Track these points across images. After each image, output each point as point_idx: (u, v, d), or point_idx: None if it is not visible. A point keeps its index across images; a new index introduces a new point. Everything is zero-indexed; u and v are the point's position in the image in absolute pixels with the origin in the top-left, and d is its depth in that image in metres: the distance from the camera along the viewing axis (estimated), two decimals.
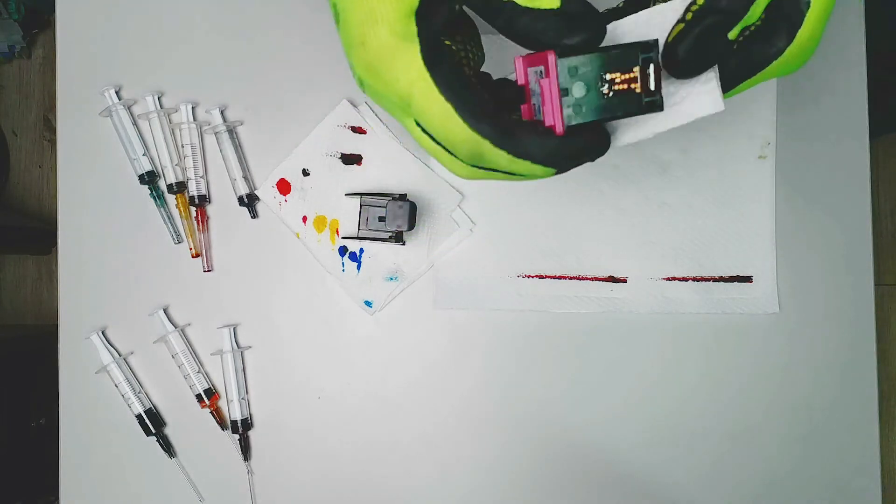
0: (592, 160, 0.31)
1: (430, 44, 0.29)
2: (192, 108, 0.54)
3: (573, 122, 0.29)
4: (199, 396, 0.54)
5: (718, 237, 0.54)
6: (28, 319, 1.44)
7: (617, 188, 0.54)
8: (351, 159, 0.54)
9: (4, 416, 1.08)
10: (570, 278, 0.54)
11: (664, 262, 0.54)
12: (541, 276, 0.54)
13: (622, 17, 0.33)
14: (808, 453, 0.54)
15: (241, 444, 0.54)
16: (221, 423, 0.54)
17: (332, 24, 0.32)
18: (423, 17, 0.29)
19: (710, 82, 0.32)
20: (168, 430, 0.55)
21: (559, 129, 0.29)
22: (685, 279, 0.54)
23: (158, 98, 0.54)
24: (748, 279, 0.54)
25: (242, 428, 0.54)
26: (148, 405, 0.54)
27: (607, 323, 0.54)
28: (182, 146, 0.54)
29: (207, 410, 0.54)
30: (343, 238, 0.54)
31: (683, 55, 0.30)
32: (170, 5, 0.55)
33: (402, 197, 0.51)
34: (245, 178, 0.54)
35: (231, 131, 0.54)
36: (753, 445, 0.54)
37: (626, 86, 0.29)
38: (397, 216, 0.50)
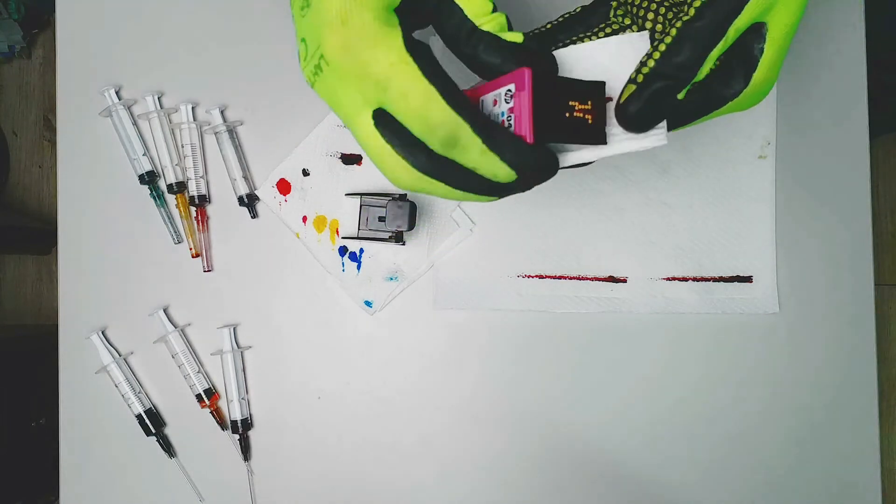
0: (544, 180, 0.32)
1: (409, 34, 0.30)
2: (192, 108, 0.54)
3: (540, 138, 0.31)
4: (199, 396, 0.54)
5: (718, 237, 0.54)
6: (28, 319, 1.44)
7: (617, 188, 0.54)
8: (351, 159, 0.54)
9: (4, 416, 1.08)
10: (570, 278, 0.54)
11: (664, 262, 0.54)
12: (541, 276, 0.54)
13: (552, 40, 0.36)
14: (807, 453, 0.54)
15: (241, 444, 0.54)
16: (221, 423, 0.54)
17: None
18: (402, 13, 0.31)
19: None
20: (168, 430, 0.55)
21: (529, 137, 0.31)
22: (685, 279, 0.54)
23: (158, 98, 0.54)
24: (748, 279, 0.54)
25: (242, 428, 0.54)
26: (148, 405, 0.54)
27: (607, 323, 0.54)
28: (182, 146, 0.54)
29: (207, 410, 0.54)
30: (343, 238, 0.54)
31: (634, 115, 0.32)
32: (170, 6, 0.55)
33: (402, 197, 0.51)
34: (245, 178, 0.54)
35: (231, 131, 0.54)
36: (753, 445, 0.54)
37: (581, 114, 0.32)
38: (397, 216, 0.50)
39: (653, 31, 0.35)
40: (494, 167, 0.31)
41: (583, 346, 0.54)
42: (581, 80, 0.32)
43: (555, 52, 0.34)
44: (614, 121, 0.33)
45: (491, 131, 0.30)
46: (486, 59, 0.31)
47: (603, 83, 0.32)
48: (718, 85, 0.33)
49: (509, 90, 0.31)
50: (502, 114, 0.32)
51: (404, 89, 0.29)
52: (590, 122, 0.32)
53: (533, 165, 0.31)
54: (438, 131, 0.30)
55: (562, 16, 0.39)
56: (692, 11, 0.31)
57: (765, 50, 0.32)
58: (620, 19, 0.38)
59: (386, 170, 0.31)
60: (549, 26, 0.39)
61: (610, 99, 0.34)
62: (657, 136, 0.33)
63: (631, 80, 0.32)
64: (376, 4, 0.30)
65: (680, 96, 0.33)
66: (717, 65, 0.33)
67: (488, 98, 0.33)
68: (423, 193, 0.32)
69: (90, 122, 0.55)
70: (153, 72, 0.55)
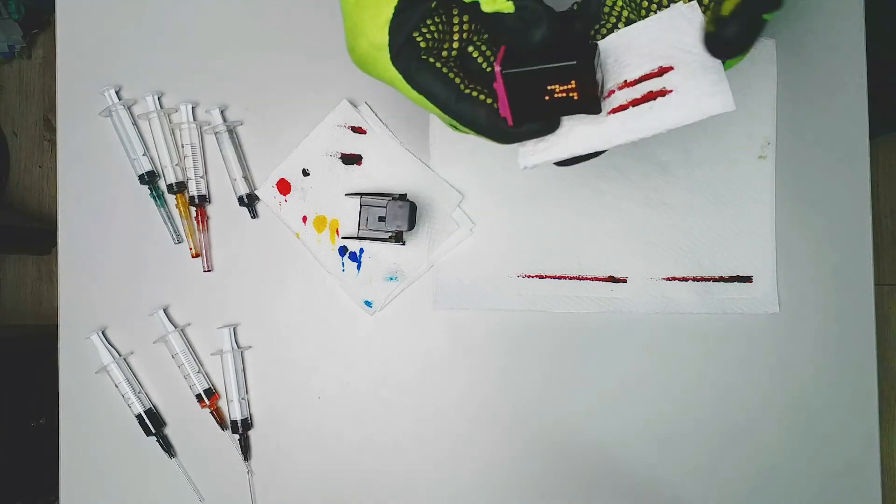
0: (545, 135, 0.36)
1: (399, 47, 0.35)
2: (192, 108, 0.54)
3: (522, 121, 0.35)
4: (199, 396, 0.54)
5: (718, 237, 0.54)
6: (28, 319, 1.44)
7: (617, 188, 0.54)
8: (351, 159, 0.54)
9: (4, 416, 1.08)
10: (570, 278, 0.54)
11: (664, 262, 0.54)
12: (541, 276, 0.54)
13: (573, 19, 0.38)
14: (807, 453, 0.54)
15: (241, 444, 0.54)
16: (221, 423, 0.54)
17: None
18: (396, 25, 0.35)
19: (721, 82, 0.33)
20: (168, 430, 0.55)
21: (511, 121, 0.35)
22: (685, 279, 0.54)
23: (158, 98, 0.54)
24: (748, 279, 0.54)
25: (242, 428, 0.54)
26: (148, 405, 0.54)
27: (607, 323, 0.54)
28: (182, 146, 0.54)
29: (207, 410, 0.54)
30: (343, 238, 0.54)
31: (732, 34, 0.32)
32: (170, 6, 0.55)
33: (402, 197, 0.51)
34: (245, 178, 0.54)
35: (231, 131, 0.54)
36: (753, 445, 0.54)
37: (565, 94, 0.33)
38: (397, 216, 0.49)
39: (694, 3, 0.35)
40: (476, 135, 0.37)
41: (583, 346, 0.54)
42: (551, 66, 0.33)
43: (607, 39, 0.36)
44: (683, 88, 0.34)
45: (477, 125, 0.36)
46: (485, 28, 0.35)
47: (573, 64, 0.33)
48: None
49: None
50: None
51: (405, 94, 0.37)
52: (576, 98, 0.33)
53: (521, 139, 0.36)
54: (444, 119, 0.37)
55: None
56: None
57: None
58: (617, 13, 0.38)
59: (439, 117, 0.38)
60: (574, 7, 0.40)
61: (625, 85, 0.35)
62: (722, 101, 0.33)
63: (708, 7, 0.34)
64: (370, 29, 0.35)
65: (767, 17, 0.32)
66: None
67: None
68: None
69: (90, 122, 0.55)
70: (153, 72, 0.55)
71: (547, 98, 0.34)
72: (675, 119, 0.34)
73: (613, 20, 0.39)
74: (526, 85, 0.33)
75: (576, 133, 0.36)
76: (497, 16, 0.33)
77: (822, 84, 0.54)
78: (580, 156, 0.36)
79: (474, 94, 0.36)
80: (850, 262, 0.54)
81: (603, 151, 0.36)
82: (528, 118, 0.35)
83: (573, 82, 0.33)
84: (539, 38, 0.33)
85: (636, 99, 0.34)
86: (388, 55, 0.35)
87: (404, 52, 0.35)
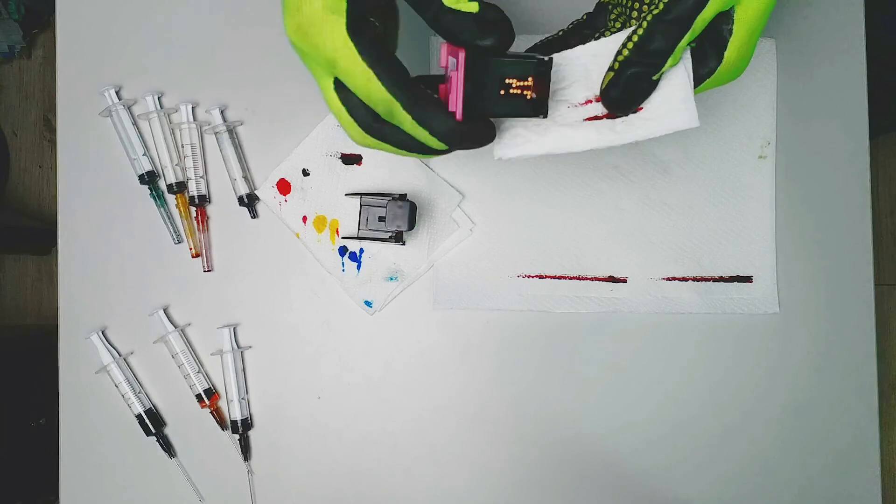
0: (479, 147, 0.35)
1: (355, 18, 0.33)
2: (192, 108, 0.54)
3: (472, 113, 0.34)
4: (199, 396, 0.54)
5: (718, 237, 0.54)
6: (28, 319, 1.44)
7: (617, 188, 0.54)
8: (351, 159, 0.54)
9: (4, 416, 1.08)
10: (570, 278, 0.54)
11: (664, 262, 0.54)
12: (541, 276, 0.54)
13: (564, 44, 0.39)
14: (808, 453, 0.54)
15: (241, 444, 0.54)
16: (221, 423, 0.54)
17: None
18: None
19: (689, 101, 0.36)
20: (168, 430, 0.55)
21: (458, 115, 0.34)
22: (685, 279, 0.54)
23: (158, 98, 0.54)
24: (748, 279, 0.54)
25: (242, 428, 0.54)
26: (148, 405, 0.54)
27: (607, 323, 0.54)
28: (182, 146, 0.54)
29: (207, 410, 0.54)
30: (343, 238, 0.54)
31: (614, 97, 0.36)
32: (170, 6, 0.55)
33: (402, 197, 0.51)
34: (245, 178, 0.54)
35: (231, 131, 0.54)
36: (753, 445, 0.54)
37: (520, 91, 0.34)
38: (397, 216, 0.49)
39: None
40: (426, 138, 0.34)
41: (583, 346, 0.54)
42: (518, 57, 0.34)
43: (557, 55, 0.36)
44: (647, 105, 0.36)
45: (420, 110, 0.33)
46: (443, 25, 0.34)
47: (542, 59, 0.34)
48: (695, 64, 0.36)
49: (454, 62, 0.34)
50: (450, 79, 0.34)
51: (347, 70, 0.33)
52: (529, 97, 0.34)
53: (461, 139, 0.34)
54: (378, 105, 0.34)
55: (571, 23, 0.43)
56: (661, 6, 0.34)
57: (733, 31, 0.35)
58: (614, 24, 0.40)
59: (344, 127, 0.36)
60: (560, 33, 0.43)
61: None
62: (688, 118, 0.36)
63: (610, 69, 0.36)
64: None
65: (655, 78, 0.35)
66: (692, 46, 0.36)
67: (451, 61, 0.35)
68: (373, 149, 0.37)
69: (90, 122, 0.55)
70: (153, 72, 0.55)
71: (502, 93, 0.34)
72: (644, 132, 0.37)
73: (614, 30, 0.40)
74: (485, 74, 0.34)
75: (553, 133, 0.37)
76: (457, 14, 0.33)
77: (822, 84, 0.54)
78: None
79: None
80: (850, 262, 0.54)
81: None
82: (477, 113, 0.34)
83: (531, 79, 0.34)
84: (495, 42, 0.33)
85: (609, 113, 0.37)
86: (344, 20, 0.33)
87: (360, 23, 0.33)
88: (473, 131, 0.35)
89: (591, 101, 0.37)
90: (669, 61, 0.35)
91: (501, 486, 0.54)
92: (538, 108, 0.35)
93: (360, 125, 0.35)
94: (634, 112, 0.37)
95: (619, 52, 0.35)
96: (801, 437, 0.54)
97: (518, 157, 0.37)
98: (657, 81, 0.36)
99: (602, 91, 0.36)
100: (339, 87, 0.35)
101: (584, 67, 0.37)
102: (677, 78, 0.36)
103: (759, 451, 0.54)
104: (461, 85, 0.33)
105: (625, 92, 0.36)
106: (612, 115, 0.37)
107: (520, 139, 0.37)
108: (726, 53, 0.35)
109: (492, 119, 0.36)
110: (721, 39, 0.35)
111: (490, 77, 0.34)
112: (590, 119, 0.37)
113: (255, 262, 0.55)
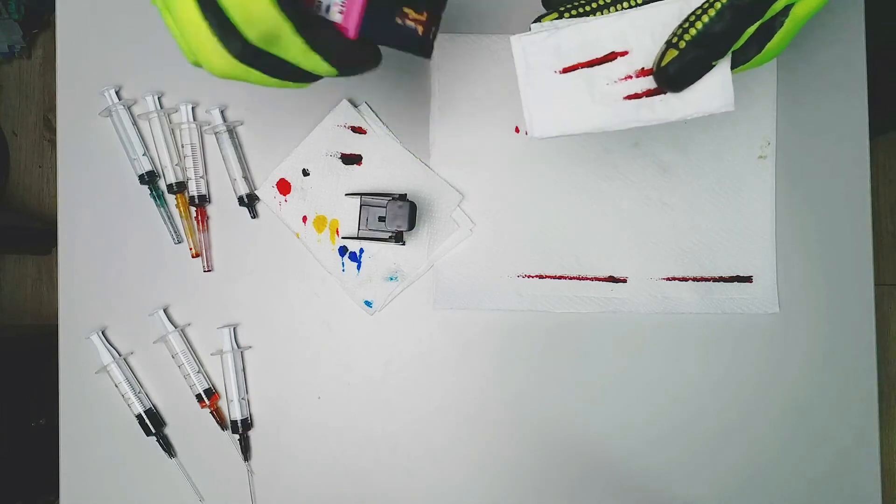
0: (362, 72, 0.33)
1: None
2: (192, 108, 0.54)
3: (364, 35, 0.32)
4: (199, 396, 0.54)
5: (718, 237, 0.54)
6: (28, 319, 1.44)
7: (617, 188, 0.54)
8: (351, 159, 0.54)
9: (4, 416, 1.08)
10: (570, 278, 0.54)
11: (664, 262, 0.54)
12: (541, 276, 0.54)
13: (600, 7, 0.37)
14: (807, 453, 0.54)
15: (241, 444, 0.54)
16: (221, 423, 0.54)
17: None
18: None
19: (727, 85, 0.36)
20: (168, 430, 0.55)
21: (352, 33, 0.32)
22: (685, 279, 0.54)
23: (158, 98, 0.54)
24: (748, 279, 0.54)
25: (242, 428, 0.54)
26: (148, 405, 0.54)
27: (607, 323, 0.54)
28: (182, 146, 0.54)
29: (207, 410, 0.54)
30: (343, 238, 0.54)
31: (672, 76, 0.35)
32: None
33: (402, 197, 0.51)
34: (245, 178, 0.54)
35: (231, 131, 0.54)
36: (753, 445, 0.54)
37: (414, 23, 0.33)
38: (397, 216, 0.49)
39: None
40: (316, 65, 0.31)
41: (583, 346, 0.54)
42: None
43: (592, 20, 0.36)
44: (692, 86, 0.36)
45: (314, 32, 0.30)
46: None
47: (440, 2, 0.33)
48: (737, 51, 0.36)
49: None
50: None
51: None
52: (420, 32, 0.33)
53: (353, 63, 0.32)
54: (259, 25, 0.28)
55: None
56: None
57: (784, 24, 0.35)
58: None
59: (200, 52, 0.30)
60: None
61: (615, 56, 0.36)
62: (724, 101, 0.36)
63: (672, 45, 0.35)
64: None
65: (715, 63, 0.35)
66: None
67: None
68: (237, 80, 0.31)
69: (90, 122, 0.55)
70: (153, 72, 0.55)
71: (398, 21, 0.33)
72: (682, 113, 0.36)
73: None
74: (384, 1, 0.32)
75: (591, 112, 0.36)
76: None
77: (822, 84, 0.54)
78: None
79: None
80: (850, 262, 0.54)
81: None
82: (373, 34, 0.32)
83: (425, 14, 0.33)
84: None
85: (650, 90, 0.36)
86: None
87: None
88: (365, 54, 0.32)
89: (630, 77, 0.36)
90: (734, 47, 0.35)
91: (501, 486, 0.54)
92: (424, 46, 0.34)
93: (228, 48, 0.29)
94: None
95: (684, 31, 0.35)
96: (801, 437, 0.54)
97: (554, 135, 0.37)
98: (714, 65, 0.35)
99: (659, 68, 0.35)
100: (206, 2, 0.28)
101: (622, 36, 0.36)
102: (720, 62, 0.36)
103: (759, 451, 0.54)
104: (363, 2, 0.31)
105: (684, 72, 0.35)
106: (653, 92, 0.36)
107: (557, 117, 0.36)
108: (769, 44, 0.36)
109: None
110: (770, 30, 0.35)
111: (391, 2, 0.33)
112: (629, 97, 0.36)
113: (255, 262, 0.55)
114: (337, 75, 0.32)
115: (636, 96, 0.36)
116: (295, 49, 0.30)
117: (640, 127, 0.37)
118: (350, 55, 0.31)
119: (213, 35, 0.29)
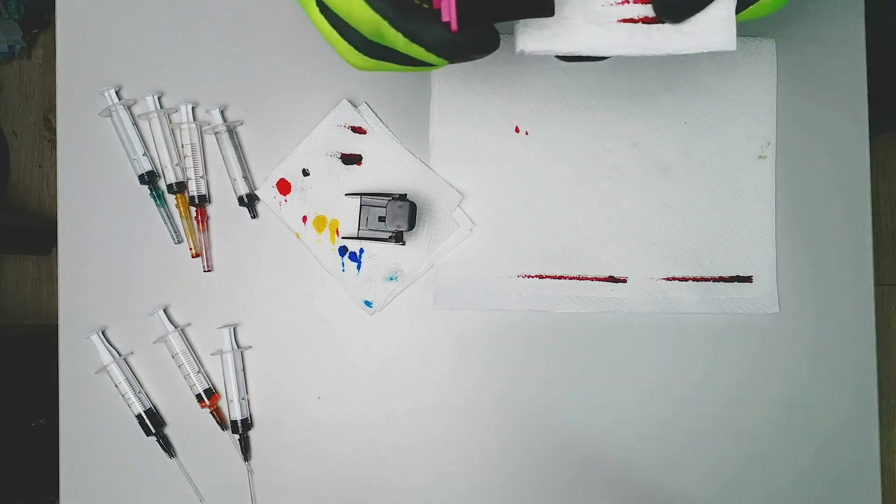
0: (482, 56, 0.32)
1: None
2: (192, 108, 0.54)
3: (469, 21, 0.31)
4: (199, 396, 0.54)
5: (718, 237, 0.54)
6: (28, 319, 1.44)
7: (617, 188, 0.54)
8: (351, 159, 0.54)
9: (4, 416, 1.08)
10: (571, 278, 0.54)
11: (664, 262, 0.54)
12: (541, 276, 0.54)
13: None
14: (807, 453, 0.54)
15: (241, 444, 0.54)
16: (221, 423, 0.54)
17: None
18: None
19: (730, 21, 0.33)
20: (168, 430, 0.55)
21: (454, 26, 0.31)
22: (685, 279, 0.54)
23: (158, 98, 0.54)
24: (748, 279, 0.54)
25: (242, 428, 0.54)
26: (148, 405, 0.54)
27: (607, 323, 0.54)
28: (182, 146, 0.54)
29: (207, 410, 0.54)
30: (343, 238, 0.54)
31: (673, 3, 0.32)
32: (170, 6, 0.55)
33: (402, 197, 0.51)
34: (245, 178, 0.54)
35: (231, 131, 0.54)
36: (753, 445, 0.54)
37: None
38: (397, 216, 0.49)
39: None
40: (422, 55, 0.31)
41: (583, 346, 0.54)
42: None
43: None
44: (692, 19, 0.34)
45: (411, 23, 0.30)
46: None
47: None
48: None
49: None
50: None
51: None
52: None
53: (460, 51, 0.31)
54: (363, 24, 0.30)
55: None
56: None
57: None
58: None
59: (338, 50, 0.33)
60: None
61: None
62: (725, 39, 0.33)
63: None
64: None
65: None
66: None
67: None
68: (377, 71, 0.33)
69: (90, 122, 0.55)
70: (153, 72, 0.55)
71: None
72: (679, 46, 0.34)
73: None
74: None
75: (582, 30, 0.34)
76: None
77: (822, 84, 0.54)
78: (581, 57, 0.35)
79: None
80: (850, 262, 0.54)
81: (605, 58, 0.35)
82: (475, 21, 0.31)
83: None
84: None
85: (647, 17, 0.34)
86: None
87: None
88: (472, 41, 0.31)
89: (628, 1, 0.34)
90: None
91: (502, 485, 0.54)
92: (543, 8, 0.31)
93: (354, 46, 0.32)
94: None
95: None
96: (800, 437, 0.54)
97: (542, 51, 0.34)
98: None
99: None
100: (323, 8, 0.31)
101: None
102: None
103: (759, 450, 0.54)
104: None
105: (685, 1, 0.33)
106: (650, 19, 0.34)
107: (546, 31, 0.34)
108: None
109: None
110: None
111: None
112: (624, 21, 0.34)
113: (255, 262, 0.55)
114: (451, 62, 0.32)
115: (632, 21, 0.34)
116: (399, 41, 0.31)
117: (631, 59, 0.33)
118: (455, 45, 0.31)
119: (339, 35, 0.32)
